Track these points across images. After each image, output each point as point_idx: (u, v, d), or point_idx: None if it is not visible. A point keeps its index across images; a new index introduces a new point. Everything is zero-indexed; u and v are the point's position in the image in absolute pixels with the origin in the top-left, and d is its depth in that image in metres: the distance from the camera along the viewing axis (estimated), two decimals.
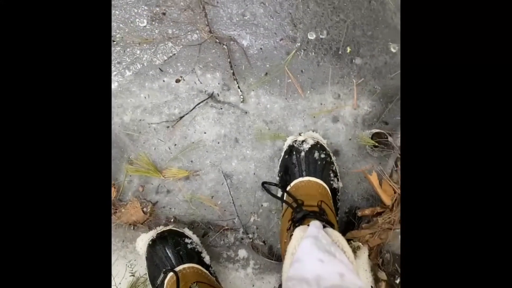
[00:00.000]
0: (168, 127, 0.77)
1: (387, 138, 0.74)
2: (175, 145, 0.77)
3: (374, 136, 0.75)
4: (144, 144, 0.77)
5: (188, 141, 0.77)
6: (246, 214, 0.77)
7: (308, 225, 0.54)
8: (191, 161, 0.77)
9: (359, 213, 0.72)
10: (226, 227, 0.77)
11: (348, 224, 0.76)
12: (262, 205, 0.78)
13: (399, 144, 0.75)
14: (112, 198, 0.76)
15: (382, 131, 0.75)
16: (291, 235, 0.55)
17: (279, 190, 0.72)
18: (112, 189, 0.76)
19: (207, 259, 0.70)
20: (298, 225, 0.58)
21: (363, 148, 0.76)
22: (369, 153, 0.76)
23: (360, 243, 0.71)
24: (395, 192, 0.72)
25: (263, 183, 0.61)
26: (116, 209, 0.76)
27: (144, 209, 0.76)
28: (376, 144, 0.74)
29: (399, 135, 0.76)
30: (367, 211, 0.71)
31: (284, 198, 0.66)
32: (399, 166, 0.73)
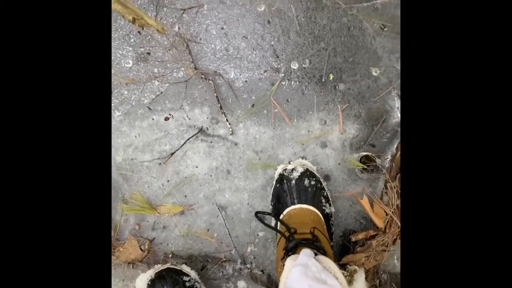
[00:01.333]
0: (160, 164, 0.78)
1: (375, 160, 0.76)
2: (168, 181, 0.78)
3: (362, 159, 0.77)
4: (137, 183, 0.78)
5: (181, 176, 0.78)
6: (242, 245, 0.78)
7: (298, 254, 0.55)
8: (185, 196, 0.79)
9: (353, 238, 0.73)
10: (224, 259, 0.78)
11: (343, 247, 0.78)
12: (258, 235, 0.79)
13: (387, 165, 0.77)
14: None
15: (370, 154, 0.76)
16: (284, 264, 0.56)
17: (273, 219, 0.73)
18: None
19: None
20: (291, 254, 0.59)
21: (352, 171, 0.78)
22: (359, 176, 0.77)
23: (356, 267, 0.72)
24: (386, 214, 0.73)
25: (256, 213, 0.62)
26: (114, 249, 0.77)
27: (142, 246, 0.77)
28: (365, 167, 0.76)
29: (387, 157, 0.77)
30: (360, 236, 0.73)
31: (278, 227, 0.67)
32: (389, 188, 0.74)
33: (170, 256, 0.78)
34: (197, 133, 0.78)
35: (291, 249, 0.60)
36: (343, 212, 0.78)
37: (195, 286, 0.70)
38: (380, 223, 0.72)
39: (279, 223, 0.65)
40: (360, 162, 0.76)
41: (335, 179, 0.78)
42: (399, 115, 0.78)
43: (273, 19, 0.78)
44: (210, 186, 0.78)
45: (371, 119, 0.78)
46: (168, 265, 0.71)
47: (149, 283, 0.68)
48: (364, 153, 0.77)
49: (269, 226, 0.63)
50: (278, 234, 0.67)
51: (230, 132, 0.78)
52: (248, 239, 0.78)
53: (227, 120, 0.77)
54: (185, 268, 0.72)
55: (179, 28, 0.77)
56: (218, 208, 0.78)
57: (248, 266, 0.78)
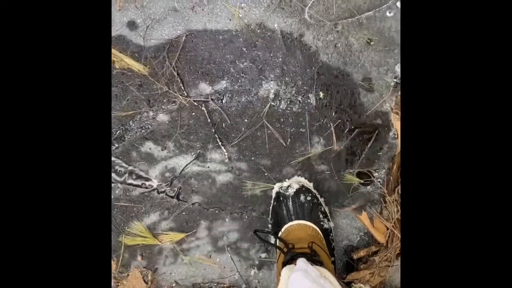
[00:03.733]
0: (159, 192, 0.79)
1: (371, 175, 0.76)
2: (168, 210, 0.79)
3: (359, 174, 0.76)
4: (138, 213, 0.79)
5: (181, 204, 0.79)
6: (246, 268, 0.78)
7: (295, 264, 0.55)
8: (186, 223, 0.79)
9: (355, 256, 0.72)
10: (228, 285, 0.78)
11: (347, 265, 0.77)
12: (260, 257, 0.78)
13: (384, 179, 0.77)
14: (113, 271, 0.77)
15: (366, 170, 0.76)
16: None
17: (272, 237, 0.73)
18: (112, 262, 0.77)
19: None
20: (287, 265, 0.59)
21: (350, 187, 0.78)
22: (357, 191, 0.77)
23: (362, 284, 0.71)
24: (387, 229, 0.73)
25: (255, 231, 0.63)
26: (118, 282, 0.77)
27: (145, 278, 0.77)
28: (362, 181, 0.75)
29: (384, 170, 0.77)
30: (362, 253, 0.72)
31: (277, 245, 0.67)
32: (388, 201, 0.74)
33: (174, 285, 0.77)
34: (194, 160, 0.79)
35: (288, 261, 0.60)
36: (344, 228, 0.78)
37: None
38: (381, 239, 0.72)
39: (278, 240, 0.66)
40: (357, 177, 0.76)
41: (333, 196, 0.78)
42: (393, 128, 0.78)
43: (259, 42, 0.79)
44: (209, 211, 0.78)
45: (364, 133, 0.78)
46: None
47: None
48: (359, 170, 0.77)
49: (267, 242, 0.64)
50: (278, 251, 0.67)
51: (226, 157, 0.78)
52: (251, 262, 0.78)
53: (222, 145, 0.78)
54: None
55: (165, 59, 0.79)
56: (219, 232, 0.78)
57: None
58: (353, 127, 0.78)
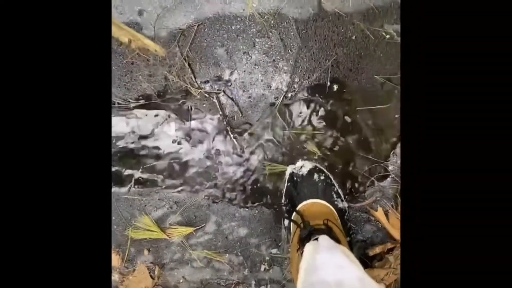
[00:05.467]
0: (166, 188, 0.77)
1: (386, 169, 0.74)
2: (176, 203, 0.76)
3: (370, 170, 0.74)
4: (145, 207, 0.76)
5: (190, 197, 0.76)
6: (256, 264, 0.76)
7: (317, 240, 0.55)
8: (195, 216, 0.76)
9: (370, 253, 0.70)
10: (238, 281, 0.75)
11: (361, 262, 0.75)
12: (271, 253, 0.76)
13: (399, 173, 0.75)
14: (118, 266, 0.74)
15: (379, 164, 0.74)
16: (302, 252, 0.55)
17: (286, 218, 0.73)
18: (117, 257, 0.75)
19: None
20: (306, 243, 0.58)
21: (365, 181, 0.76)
22: (372, 186, 0.75)
23: (376, 283, 0.69)
24: None
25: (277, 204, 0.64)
26: (123, 277, 0.74)
27: (152, 273, 0.74)
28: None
29: (398, 163, 0.75)
30: (377, 249, 0.70)
31: (291, 224, 0.67)
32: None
33: (181, 281, 0.75)
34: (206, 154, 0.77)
35: (306, 237, 0.60)
36: (358, 224, 0.76)
37: None
38: (397, 235, 0.70)
39: (293, 215, 0.67)
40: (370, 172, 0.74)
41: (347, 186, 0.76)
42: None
43: (273, 33, 0.77)
44: (219, 205, 0.76)
45: (379, 128, 0.77)
46: None
47: None
48: (374, 164, 0.75)
49: (285, 216, 0.66)
50: (292, 230, 0.67)
51: (240, 149, 0.76)
52: (261, 258, 0.76)
53: (235, 138, 0.76)
54: None
55: (178, 47, 0.77)
56: (229, 226, 0.76)
57: (263, 287, 0.75)
58: (367, 121, 0.76)
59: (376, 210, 0.72)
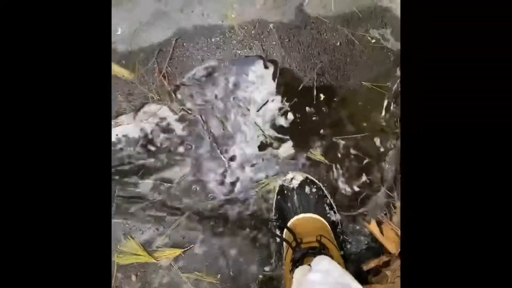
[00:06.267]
0: (153, 206, 0.74)
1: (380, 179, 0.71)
2: (163, 224, 0.74)
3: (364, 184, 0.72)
4: (130, 230, 0.74)
5: (177, 217, 0.74)
6: (248, 284, 0.73)
7: (309, 265, 0.52)
8: (182, 238, 0.74)
9: (365, 267, 0.67)
10: None
11: (356, 276, 0.72)
12: (264, 270, 0.74)
13: (391, 182, 0.72)
14: None
15: (368, 178, 0.72)
16: (292, 277, 0.53)
17: (278, 231, 0.71)
18: None
19: None
20: (298, 265, 0.56)
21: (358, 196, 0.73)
22: (362, 194, 0.73)
23: None
24: (399, 237, 0.68)
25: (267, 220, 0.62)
26: None
27: None
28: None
29: (390, 174, 0.73)
30: (372, 263, 0.67)
31: (285, 237, 0.65)
32: (397, 207, 0.70)
33: None
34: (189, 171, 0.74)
35: (298, 260, 0.58)
36: (351, 236, 0.73)
37: None
38: (392, 248, 0.67)
39: (285, 232, 0.64)
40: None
41: (339, 198, 0.73)
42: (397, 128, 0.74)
43: (255, 44, 0.74)
44: (208, 225, 0.74)
45: (367, 149, 0.74)
46: None
47: None
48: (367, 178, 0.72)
49: (276, 235, 0.63)
50: (285, 247, 0.65)
51: (227, 165, 0.74)
52: (254, 276, 0.73)
53: (222, 155, 0.73)
54: None
55: (157, 63, 0.74)
56: (219, 246, 0.73)
57: None
58: (353, 129, 0.74)
59: (369, 223, 0.69)
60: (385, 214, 0.70)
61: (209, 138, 0.73)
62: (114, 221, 0.74)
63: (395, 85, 0.74)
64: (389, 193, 0.71)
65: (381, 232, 0.68)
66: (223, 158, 0.73)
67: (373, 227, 0.68)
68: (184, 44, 0.74)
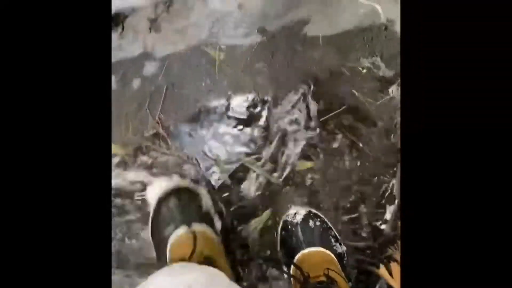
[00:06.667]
0: None
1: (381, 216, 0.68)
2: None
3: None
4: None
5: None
6: None
7: None
8: None
9: None
10: None
11: None
12: None
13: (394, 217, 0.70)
14: None
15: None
16: None
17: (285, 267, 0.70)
18: None
19: None
20: None
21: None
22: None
23: None
24: None
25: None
26: None
27: None
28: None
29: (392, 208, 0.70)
30: None
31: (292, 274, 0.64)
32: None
33: None
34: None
35: None
36: (357, 268, 0.71)
37: None
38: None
39: (291, 269, 0.64)
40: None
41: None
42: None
43: (248, 83, 0.74)
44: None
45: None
46: None
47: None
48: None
49: (283, 271, 0.64)
50: (293, 284, 0.64)
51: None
52: None
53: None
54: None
55: (149, 109, 0.74)
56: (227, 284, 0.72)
57: None
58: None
59: (378, 268, 0.67)
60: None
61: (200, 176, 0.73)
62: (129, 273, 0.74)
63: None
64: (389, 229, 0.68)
65: (391, 275, 0.66)
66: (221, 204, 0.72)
67: (382, 271, 0.66)
68: (176, 90, 0.74)
